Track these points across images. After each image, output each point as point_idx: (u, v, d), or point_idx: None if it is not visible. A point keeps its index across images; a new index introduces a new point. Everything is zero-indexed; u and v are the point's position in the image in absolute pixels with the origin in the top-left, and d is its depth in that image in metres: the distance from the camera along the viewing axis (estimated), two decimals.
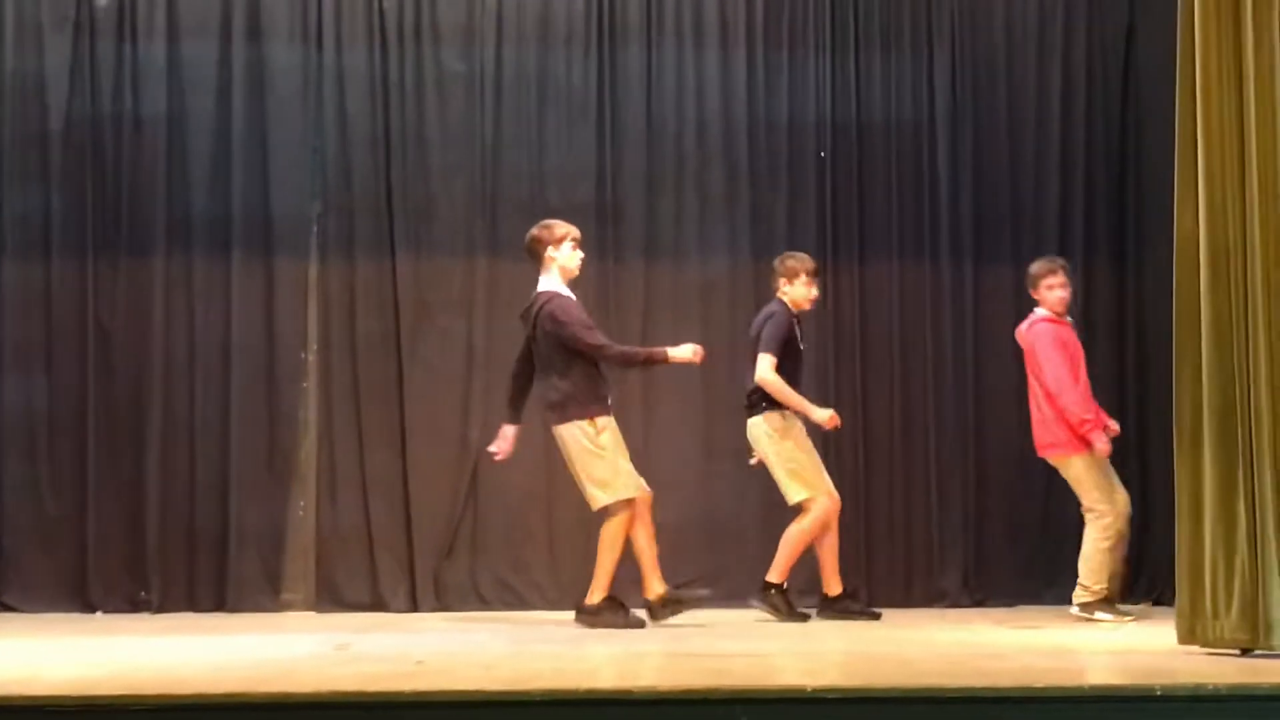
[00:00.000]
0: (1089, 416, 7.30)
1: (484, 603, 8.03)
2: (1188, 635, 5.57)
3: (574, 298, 7.21)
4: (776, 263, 7.63)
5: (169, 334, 8.10)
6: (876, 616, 7.48)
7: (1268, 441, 5.43)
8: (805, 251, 7.92)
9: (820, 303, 8.26)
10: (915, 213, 8.44)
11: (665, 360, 7.21)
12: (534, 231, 7.28)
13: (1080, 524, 7.43)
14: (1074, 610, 7.30)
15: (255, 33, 8.22)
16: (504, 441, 7.37)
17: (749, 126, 8.42)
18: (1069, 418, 7.31)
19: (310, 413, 8.19)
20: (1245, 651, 5.45)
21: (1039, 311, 7.52)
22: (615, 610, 7.03)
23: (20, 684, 4.93)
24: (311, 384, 8.20)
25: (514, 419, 7.36)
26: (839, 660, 5.80)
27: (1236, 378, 5.51)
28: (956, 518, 8.25)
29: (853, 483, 8.22)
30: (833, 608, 7.47)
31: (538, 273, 7.25)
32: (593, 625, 6.98)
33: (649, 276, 8.33)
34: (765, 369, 7.36)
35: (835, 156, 8.42)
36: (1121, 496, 7.42)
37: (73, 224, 8.10)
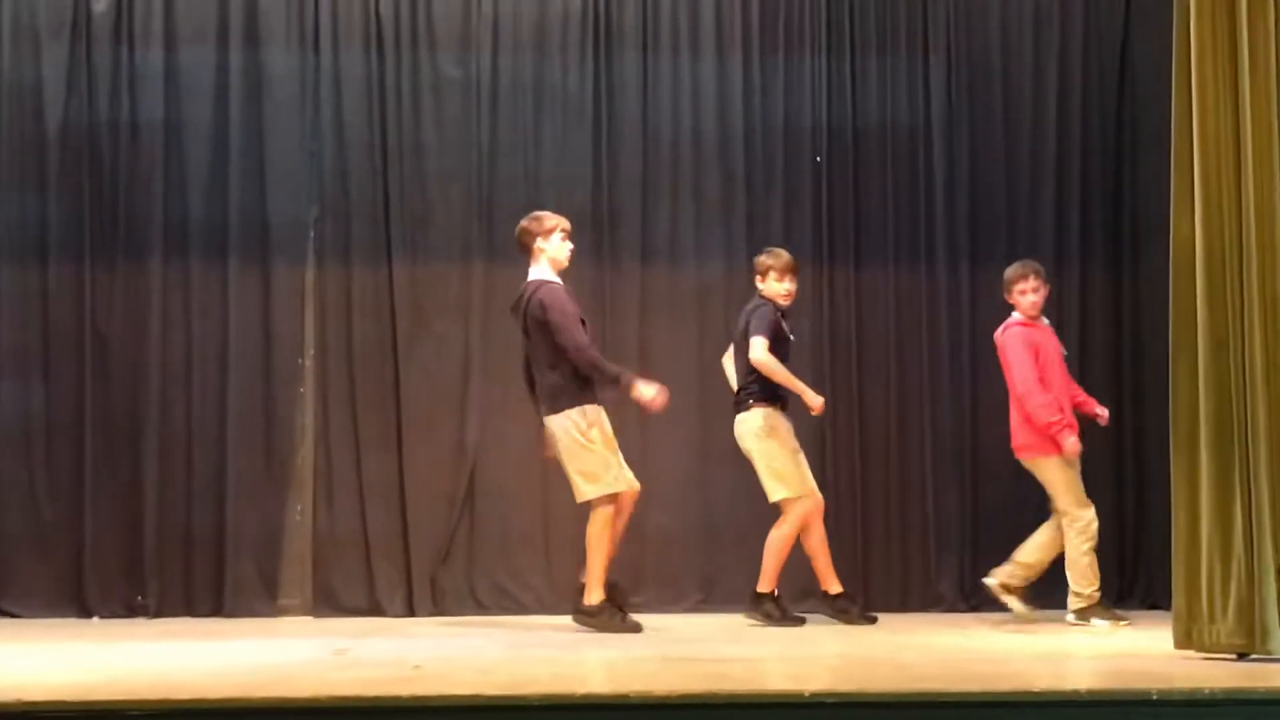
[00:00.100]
0: (1055, 418, 7.33)
1: (481, 607, 8.03)
2: (1184, 640, 5.58)
3: (563, 285, 7.20)
4: (756, 260, 7.64)
5: (166, 339, 8.11)
6: (872, 621, 7.48)
7: (1264, 445, 5.44)
8: (803, 255, 7.93)
9: (816, 305, 8.31)
10: (911, 216, 8.45)
11: (629, 389, 7.05)
12: (523, 223, 7.29)
13: None
14: (1070, 618, 7.32)
15: (252, 38, 8.23)
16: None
17: (745, 131, 8.43)
18: (1036, 420, 7.35)
19: (307, 417, 8.19)
20: (1242, 656, 5.46)
21: (1014, 315, 7.58)
22: (613, 612, 7.03)
23: (17, 689, 4.92)
24: (308, 389, 8.21)
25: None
26: (835, 665, 5.80)
27: (1233, 382, 5.52)
28: (953, 522, 8.26)
29: (849, 486, 8.25)
30: (832, 605, 7.47)
31: (527, 265, 7.26)
32: (590, 626, 6.98)
33: (645, 281, 8.34)
34: (760, 350, 7.36)
35: (831, 160, 8.43)
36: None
37: (70, 229, 8.10)
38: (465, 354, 8.21)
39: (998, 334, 7.63)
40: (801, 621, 7.37)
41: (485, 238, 8.21)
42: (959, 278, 8.39)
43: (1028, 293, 7.54)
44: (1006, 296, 7.62)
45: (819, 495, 7.51)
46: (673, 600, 8.09)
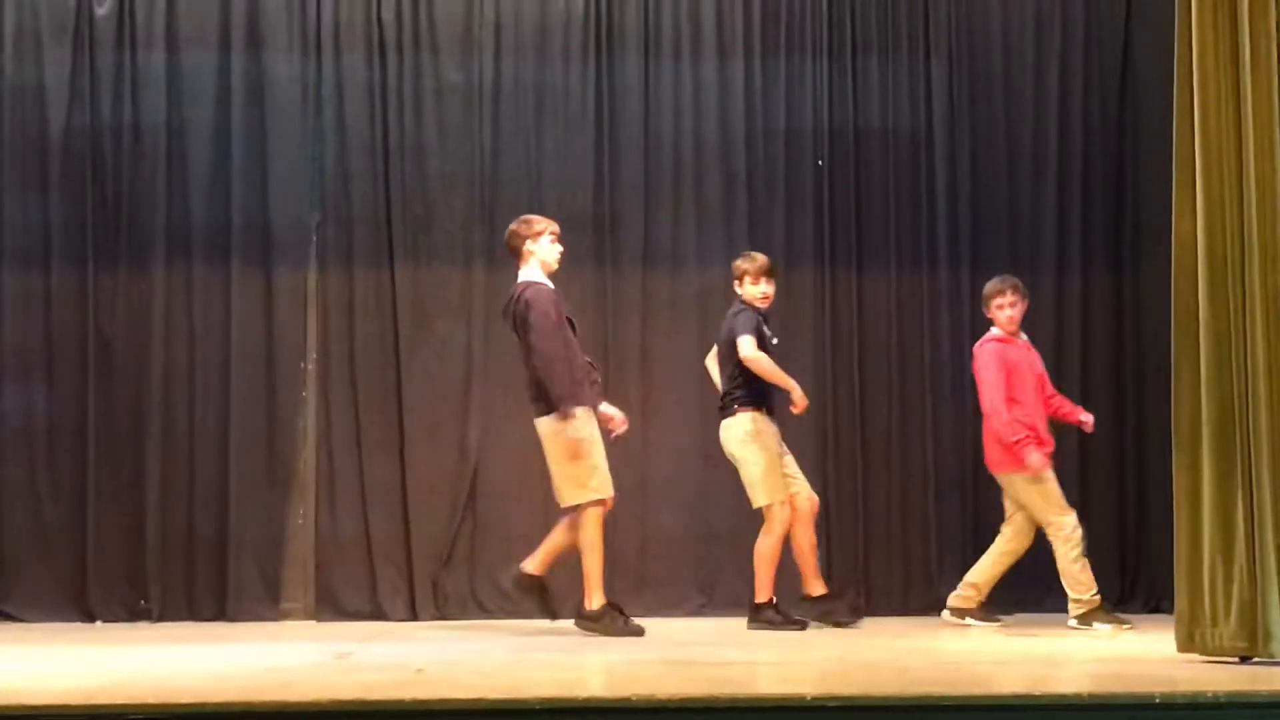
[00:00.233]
0: (1018, 436, 7.33)
1: (483, 611, 8.03)
2: (1186, 643, 5.57)
3: (552, 287, 7.20)
4: (733, 265, 7.61)
5: (168, 342, 8.11)
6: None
7: (1266, 448, 5.43)
8: (804, 258, 7.92)
9: (818, 308, 8.30)
10: (913, 220, 8.45)
11: (566, 416, 6.97)
12: (512, 226, 7.30)
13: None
14: (1071, 623, 7.31)
15: (255, 42, 8.24)
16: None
17: (746, 134, 8.43)
18: (1001, 437, 7.38)
19: (309, 421, 8.19)
20: (1244, 659, 5.45)
21: (992, 330, 7.59)
22: (615, 616, 7.03)
23: (19, 693, 4.93)
24: (310, 392, 8.21)
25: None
26: (837, 669, 5.79)
27: (1235, 385, 5.51)
28: (954, 525, 8.25)
29: (850, 489, 8.25)
30: (815, 608, 7.43)
31: (517, 268, 7.26)
32: (593, 631, 6.98)
33: (646, 285, 8.33)
34: (748, 348, 7.33)
35: (832, 163, 8.43)
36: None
37: (72, 232, 8.11)
38: (467, 357, 8.21)
39: (975, 348, 7.64)
40: (804, 625, 7.36)
41: (487, 241, 8.21)
42: (960, 280, 8.38)
43: (1005, 307, 7.54)
44: (985, 311, 7.63)
45: (814, 497, 7.49)
46: (674, 604, 8.08)
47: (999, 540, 7.55)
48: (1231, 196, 5.56)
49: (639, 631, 6.98)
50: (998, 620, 7.49)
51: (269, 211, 8.20)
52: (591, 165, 8.36)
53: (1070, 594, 7.34)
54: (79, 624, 7.83)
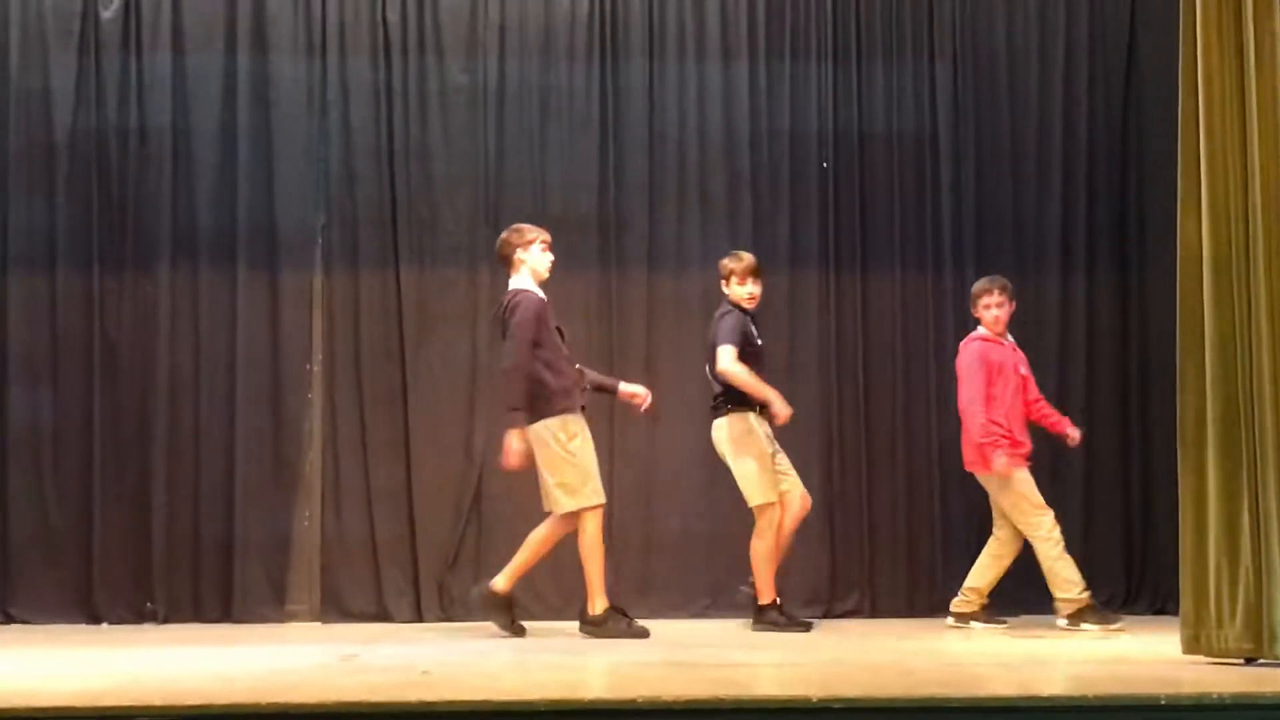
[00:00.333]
0: (988, 438, 7.31)
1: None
2: (1192, 644, 5.57)
3: (543, 297, 7.21)
4: (720, 264, 7.59)
5: (174, 345, 8.12)
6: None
7: (1271, 449, 5.43)
8: (809, 259, 7.90)
9: (823, 310, 8.30)
10: (918, 222, 8.45)
11: (510, 423, 7.02)
12: (504, 235, 7.34)
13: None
14: (1061, 623, 7.28)
15: (260, 45, 8.25)
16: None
17: (751, 136, 8.43)
18: (972, 437, 7.37)
19: (315, 424, 8.20)
20: (1250, 660, 5.46)
21: (978, 330, 7.58)
22: (619, 619, 7.04)
23: (26, 695, 4.94)
24: (316, 395, 8.22)
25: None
26: (842, 670, 5.79)
27: (1240, 385, 5.51)
28: (960, 527, 8.24)
29: (855, 491, 8.24)
30: (760, 616, 7.38)
31: (507, 276, 7.28)
32: (597, 635, 6.99)
33: (651, 286, 8.34)
34: (727, 360, 7.31)
35: (837, 165, 8.43)
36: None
37: (79, 235, 8.12)
38: (473, 359, 8.22)
39: (960, 346, 7.63)
40: (809, 626, 7.36)
41: (492, 243, 8.15)
42: (965, 281, 8.34)
43: (991, 307, 7.53)
44: (972, 310, 7.62)
45: (807, 496, 7.46)
46: (679, 605, 8.08)
47: (991, 542, 7.52)
48: (1237, 197, 5.56)
49: (644, 633, 6.99)
50: (1003, 622, 7.48)
51: (274, 214, 8.21)
52: (596, 167, 8.36)
53: (1057, 594, 7.29)
54: (85, 626, 7.83)
